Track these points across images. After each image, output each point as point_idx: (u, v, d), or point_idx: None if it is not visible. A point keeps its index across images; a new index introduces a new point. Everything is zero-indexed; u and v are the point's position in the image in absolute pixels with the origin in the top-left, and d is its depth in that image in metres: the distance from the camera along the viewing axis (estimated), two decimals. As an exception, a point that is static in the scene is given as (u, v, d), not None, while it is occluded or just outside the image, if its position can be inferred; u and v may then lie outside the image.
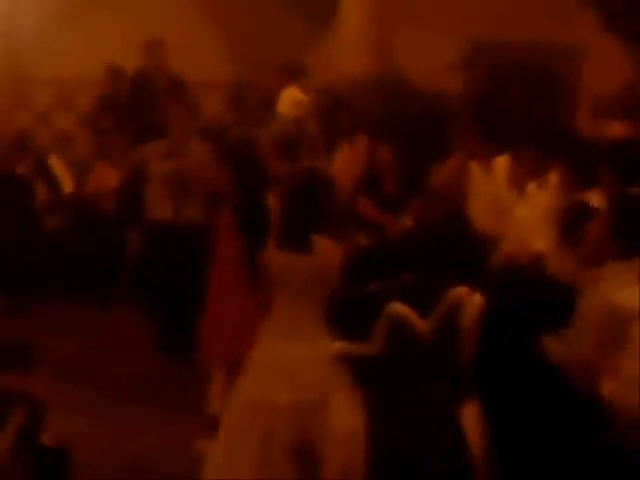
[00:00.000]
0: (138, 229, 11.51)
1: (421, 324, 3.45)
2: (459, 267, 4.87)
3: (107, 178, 12.85)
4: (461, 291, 3.51)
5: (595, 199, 7.37)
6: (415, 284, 3.60)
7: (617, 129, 10.59)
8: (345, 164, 9.92)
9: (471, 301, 3.65)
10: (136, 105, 12.89)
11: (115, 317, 11.04)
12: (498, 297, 4.47)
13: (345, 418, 3.75)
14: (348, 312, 3.68)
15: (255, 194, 7.78)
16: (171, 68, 12.82)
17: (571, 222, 6.22)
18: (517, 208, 8.72)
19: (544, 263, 7.79)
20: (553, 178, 8.46)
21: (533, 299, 6.72)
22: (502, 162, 9.43)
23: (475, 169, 9.29)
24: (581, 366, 5.49)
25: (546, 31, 13.73)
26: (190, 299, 8.75)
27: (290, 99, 12.22)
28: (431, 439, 3.49)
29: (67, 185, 13.02)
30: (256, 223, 7.47)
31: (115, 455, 7.53)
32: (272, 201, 7.66)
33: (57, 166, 13.08)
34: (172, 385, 8.95)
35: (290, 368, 5.85)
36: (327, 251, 6.20)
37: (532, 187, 8.85)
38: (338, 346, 3.70)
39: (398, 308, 3.46)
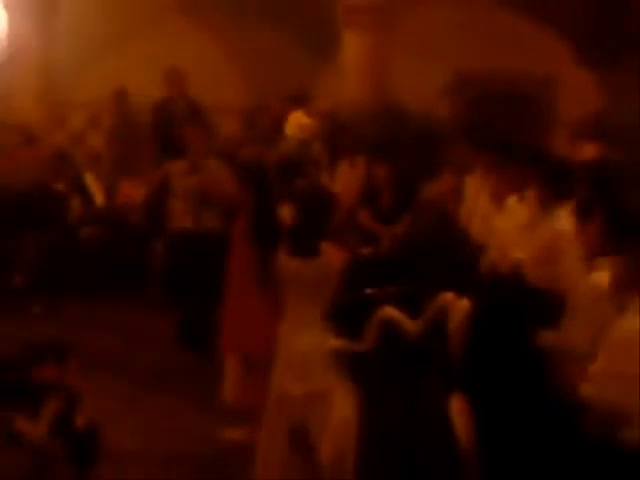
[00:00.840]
0: (162, 237, 11.55)
1: (410, 325, 3.46)
2: (450, 274, 4.91)
3: (134, 193, 12.90)
4: (448, 296, 3.53)
5: (566, 213, 7.42)
6: (407, 289, 3.61)
7: (589, 150, 10.60)
8: (346, 181, 9.95)
9: (458, 305, 3.67)
10: (159, 128, 12.91)
11: (142, 314, 11.04)
12: (484, 301, 4.50)
13: (341, 409, 3.79)
14: (347, 313, 3.71)
15: (266, 206, 7.84)
16: (190, 94, 12.84)
17: None
18: (497, 220, 8.73)
19: (523, 270, 7.86)
20: (531, 193, 8.46)
21: (514, 303, 6.76)
22: (487, 179, 9.46)
23: (469, 184, 9.31)
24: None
25: (525, 62, 13.73)
26: (208, 298, 8.81)
27: (297, 123, 12.25)
28: (419, 428, 3.49)
29: (99, 199, 13.05)
30: (267, 231, 7.53)
31: (141, 436, 7.56)
32: (282, 213, 7.71)
33: (90, 182, 13.11)
34: (191, 374, 8.97)
35: (301, 362, 5.91)
36: (331, 256, 6.27)
37: (512, 201, 8.86)
38: (335, 343, 3.72)
39: (388, 311, 3.48)
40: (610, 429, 4.91)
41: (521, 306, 7.25)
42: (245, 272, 7.76)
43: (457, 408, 3.74)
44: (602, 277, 5.50)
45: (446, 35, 13.95)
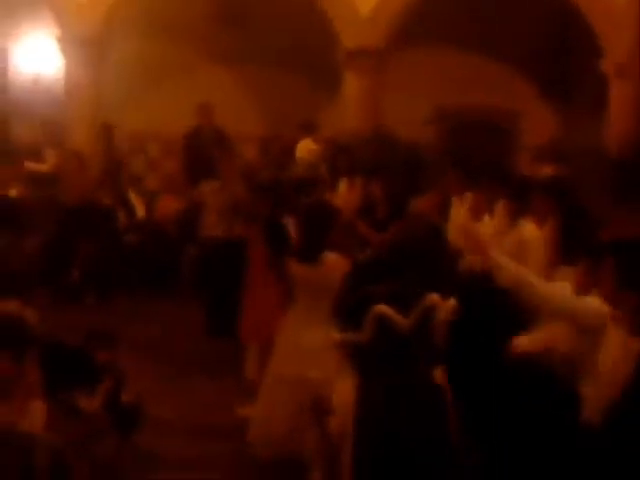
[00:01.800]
0: (194, 244, 11.56)
1: (401, 321, 3.43)
2: (435, 276, 4.88)
3: (170, 207, 12.91)
4: (433, 297, 3.50)
5: (529, 223, 7.40)
6: (397, 289, 3.58)
7: (547, 170, 10.58)
8: (346, 197, 9.92)
9: (446, 304, 3.64)
10: (190, 152, 12.89)
11: (176, 307, 11.04)
12: (461, 297, 4.45)
13: (342, 392, 3.75)
14: (347, 310, 3.68)
15: (277, 218, 7.84)
16: (218, 125, 12.85)
17: None
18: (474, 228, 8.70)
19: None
20: (499, 208, 8.44)
21: (486, 301, 6.72)
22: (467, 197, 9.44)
23: (455, 201, 9.29)
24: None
25: (494, 98, 13.79)
26: (231, 294, 8.78)
27: (306, 148, 12.25)
28: (412, 411, 3.45)
29: (140, 212, 13.05)
30: (277, 238, 7.54)
31: (175, 410, 7.50)
32: (291, 225, 7.71)
33: (133, 198, 13.11)
34: (218, 358, 8.89)
35: (312, 351, 5.89)
36: (333, 262, 6.24)
37: (485, 216, 8.85)
38: (337, 335, 3.70)
39: (381, 308, 3.45)
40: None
41: (492, 301, 7.23)
42: (261, 271, 7.76)
43: (439, 375, 3.68)
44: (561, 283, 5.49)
45: (429, 76, 13.98)
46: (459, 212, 9.03)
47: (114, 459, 5.88)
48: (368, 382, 3.48)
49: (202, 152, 12.24)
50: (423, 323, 3.44)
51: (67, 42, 13.60)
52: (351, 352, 3.53)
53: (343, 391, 3.55)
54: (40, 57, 14.52)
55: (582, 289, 5.13)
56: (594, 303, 4.90)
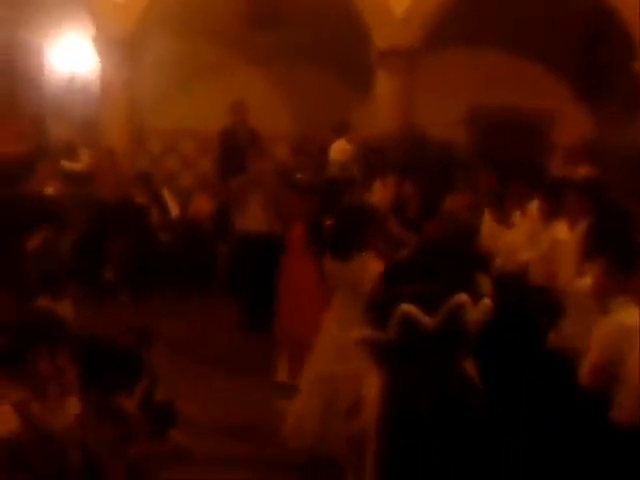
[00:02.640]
0: (227, 242, 11.60)
1: (427, 320, 3.42)
2: (465, 276, 4.87)
3: (204, 205, 12.95)
4: (461, 297, 3.48)
5: (563, 225, 7.37)
6: (427, 290, 3.57)
7: (581, 171, 10.53)
8: (379, 196, 9.93)
9: (480, 305, 3.61)
10: (225, 150, 12.92)
11: (209, 306, 11.08)
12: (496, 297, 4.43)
13: (368, 388, 3.76)
14: (377, 309, 3.68)
15: (318, 218, 7.88)
16: (250, 123, 12.87)
17: None
18: (504, 234, 8.70)
19: (527, 270, 7.82)
20: (533, 208, 8.42)
21: (519, 298, 6.70)
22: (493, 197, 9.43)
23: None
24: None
25: (527, 97, 13.70)
26: (265, 292, 8.80)
27: (340, 149, 12.26)
28: (440, 408, 3.43)
29: (174, 210, 13.11)
30: (319, 238, 7.56)
31: (208, 409, 7.52)
32: (327, 224, 7.73)
33: (167, 196, 13.17)
34: (251, 356, 8.92)
35: (344, 350, 5.89)
36: (366, 262, 6.25)
37: (516, 215, 8.83)
38: (363, 332, 3.70)
39: (406, 307, 3.45)
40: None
41: (525, 300, 7.21)
42: (300, 271, 7.78)
43: (470, 369, 3.65)
44: (587, 281, 5.45)
45: (461, 75, 13.90)
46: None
47: (148, 459, 5.89)
48: (394, 379, 3.47)
49: (236, 150, 12.26)
50: (451, 322, 3.41)
51: (102, 42, 13.68)
52: (376, 350, 3.52)
53: (368, 387, 3.56)
54: (76, 56, 14.61)
55: (602, 291, 5.07)
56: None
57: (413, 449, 3.35)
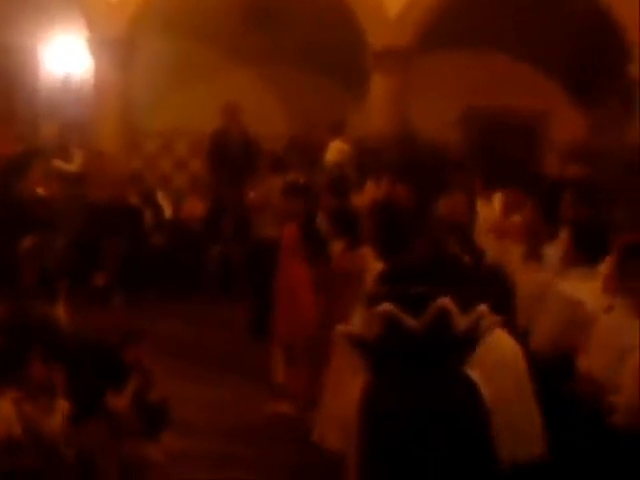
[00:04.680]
0: (217, 244, 11.62)
1: (409, 321, 3.41)
2: (457, 278, 4.86)
3: (196, 208, 12.97)
4: (443, 301, 3.46)
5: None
6: (414, 291, 3.55)
7: (574, 171, 10.54)
8: (372, 197, 9.93)
9: (491, 319, 3.59)
10: (215, 152, 12.92)
11: (200, 307, 11.09)
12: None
13: (351, 387, 3.75)
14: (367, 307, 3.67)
15: (312, 218, 7.90)
16: (244, 125, 12.88)
17: None
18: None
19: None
20: (529, 207, 8.41)
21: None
22: (496, 198, 9.44)
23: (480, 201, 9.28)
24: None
25: (522, 98, 13.74)
26: (263, 293, 8.77)
27: (335, 149, 12.30)
28: (431, 410, 3.41)
29: (167, 212, 13.12)
30: (315, 238, 7.58)
31: (203, 411, 7.54)
32: (322, 223, 7.77)
33: (160, 198, 13.18)
34: (246, 358, 8.93)
35: None
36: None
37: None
38: (347, 328, 3.70)
39: (387, 306, 3.44)
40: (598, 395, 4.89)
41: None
42: (296, 272, 7.78)
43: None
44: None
45: (456, 76, 13.93)
46: (485, 211, 9.03)
47: (141, 459, 5.91)
48: (375, 378, 3.46)
49: (228, 153, 12.28)
50: (438, 326, 3.39)
51: (96, 43, 13.70)
52: (360, 348, 3.51)
53: (355, 386, 3.54)
54: (70, 58, 14.61)
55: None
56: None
57: (391, 449, 3.34)
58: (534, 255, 6.83)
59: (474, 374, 3.47)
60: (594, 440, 4.85)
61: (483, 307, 3.51)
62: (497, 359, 4.33)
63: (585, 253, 5.79)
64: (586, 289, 5.48)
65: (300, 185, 8.69)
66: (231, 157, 12.35)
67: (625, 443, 4.69)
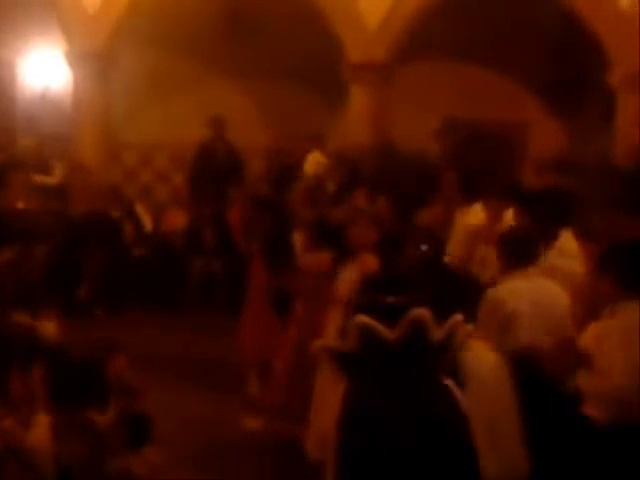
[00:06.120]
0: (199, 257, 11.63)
1: (385, 332, 3.43)
2: (436, 289, 4.91)
3: (177, 220, 12.98)
4: (419, 311, 3.49)
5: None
6: (390, 302, 3.57)
7: (549, 180, 10.58)
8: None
9: (465, 330, 3.63)
10: (200, 165, 12.95)
11: (182, 320, 11.09)
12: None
13: (329, 398, 3.77)
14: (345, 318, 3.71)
15: (278, 233, 7.88)
16: (229, 139, 12.93)
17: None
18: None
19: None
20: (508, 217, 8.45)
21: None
22: (476, 209, 9.47)
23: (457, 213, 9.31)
24: None
25: (500, 110, 13.82)
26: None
27: (315, 161, 12.31)
28: (408, 418, 3.43)
29: (148, 225, 13.12)
30: (276, 254, 7.57)
31: (183, 424, 7.55)
32: (298, 241, 7.77)
33: (141, 211, 13.19)
34: (224, 371, 8.93)
35: None
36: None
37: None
38: (324, 341, 3.72)
39: (363, 318, 3.47)
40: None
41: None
42: (261, 290, 7.77)
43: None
44: None
45: (435, 88, 14.01)
46: (463, 222, 9.06)
47: (125, 473, 5.90)
48: (353, 388, 3.49)
49: (213, 165, 12.30)
50: (414, 337, 3.41)
51: (74, 56, 13.69)
52: (338, 359, 3.54)
53: (335, 395, 3.56)
54: (48, 71, 14.61)
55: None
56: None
57: (369, 456, 3.36)
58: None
59: (450, 382, 3.50)
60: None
61: (458, 316, 3.55)
62: (477, 373, 4.36)
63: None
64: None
65: (264, 199, 8.67)
66: (216, 169, 12.39)
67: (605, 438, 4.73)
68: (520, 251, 5.99)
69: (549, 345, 5.42)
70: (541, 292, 5.80)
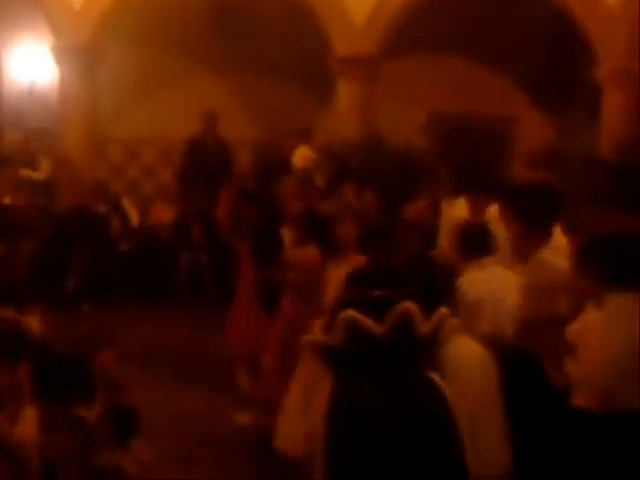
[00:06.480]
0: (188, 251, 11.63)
1: (373, 326, 3.42)
2: (423, 282, 4.90)
3: (164, 215, 12.97)
4: (405, 304, 3.48)
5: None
6: (377, 296, 3.56)
7: (537, 176, 10.59)
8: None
9: (434, 315, 3.61)
10: (190, 159, 12.94)
11: (169, 314, 11.08)
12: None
13: (318, 394, 3.76)
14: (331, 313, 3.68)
15: (267, 228, 7.87)
16: (220, 134, 12.92)
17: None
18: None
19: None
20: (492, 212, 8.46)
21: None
22: (461, 203, 9.47)
23: (444, 206, 9.33)
24: None
25: (487, 104, 13.84)
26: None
27: (303, 156, 12.30)
28: (395, 414, 3.43)
29: (134, 219, 13.11)
30: (264, 248, 7.56)
31: (172, 419, 7.55)
32: (286, 235, 7.76)
33: (127, 206, 13.17)
34: (214, 366, 8.91)
35: None
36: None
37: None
38: (311, 336, 3.70)
39: (349, 312, 3.46)
40: None
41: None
42: (248, 283, 7.76)
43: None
44: None
45: (423, 82, 14.02)
46: (449, 215, 9.07)
47: (111, 468, 5.89)
48: (340, 384, 3.48)
49: (203, 159, 12.29)
50: (401, 331, 3.40)
51: (61, 51, 13.66)
52: (324, 354, 3.53)
53: (322, 391, 3.55)
54: (34, 66, 14.57)
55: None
56: None
57: (356, 452, 3.36)
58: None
59: (437, 377, 3.49)
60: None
61: (444, 309, 3.55)
62: (461, 366, 4.36)
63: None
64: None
65: (252, 193, 8.65)
66: (206, 164, 12.39)
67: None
68: (473, 243, 6.27)
69: (510, 334, 5.64)
70: (496, 281, 6.03)
